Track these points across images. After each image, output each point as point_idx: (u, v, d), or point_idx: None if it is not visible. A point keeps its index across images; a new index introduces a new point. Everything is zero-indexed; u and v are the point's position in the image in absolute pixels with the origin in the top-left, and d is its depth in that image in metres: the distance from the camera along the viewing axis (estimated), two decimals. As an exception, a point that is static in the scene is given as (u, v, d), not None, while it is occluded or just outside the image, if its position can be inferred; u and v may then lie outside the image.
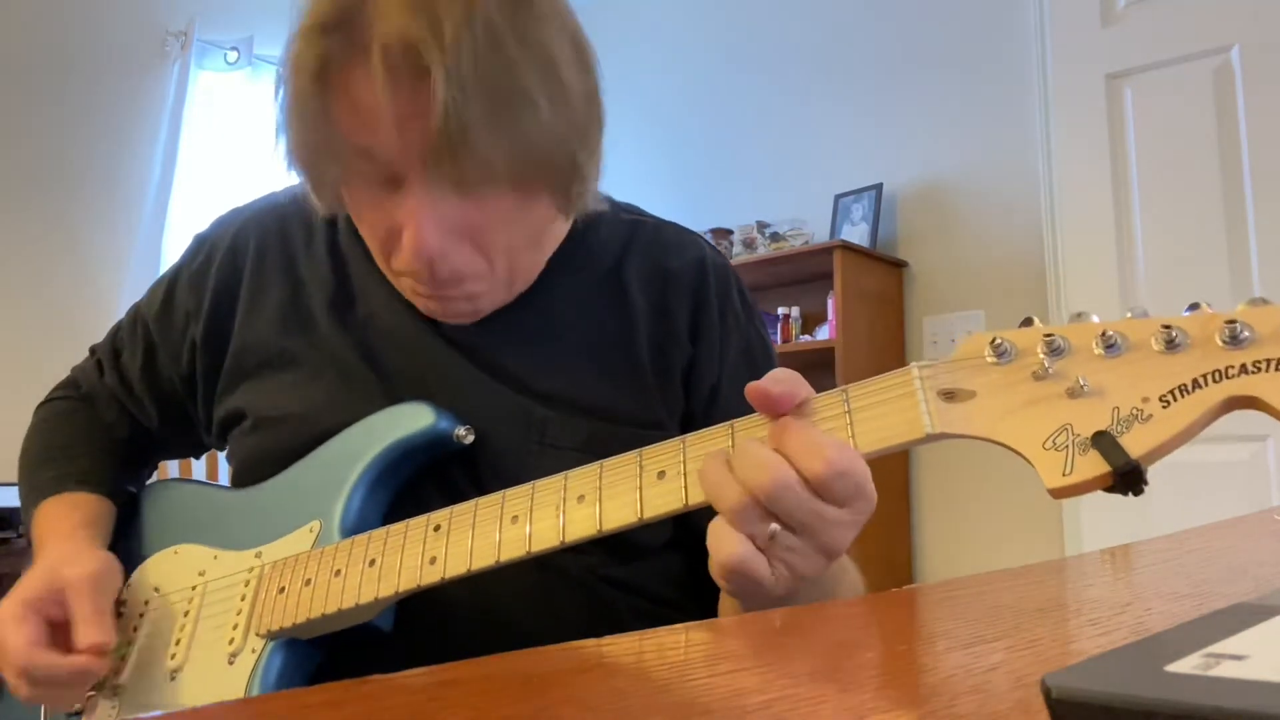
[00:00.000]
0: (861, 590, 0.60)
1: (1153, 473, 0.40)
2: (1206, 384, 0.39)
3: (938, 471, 2.68)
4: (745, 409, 0.51)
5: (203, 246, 0.83)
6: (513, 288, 0.72)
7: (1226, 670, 0.19)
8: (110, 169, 3.05)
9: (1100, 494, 0.41)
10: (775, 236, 2.91)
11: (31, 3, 2.94)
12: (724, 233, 3.04)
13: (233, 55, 3.29)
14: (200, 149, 3.19)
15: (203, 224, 0.86)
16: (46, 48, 2.96)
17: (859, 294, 2.63)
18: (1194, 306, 0.41)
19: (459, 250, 0.64)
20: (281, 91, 0.63)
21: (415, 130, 0.58)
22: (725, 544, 0.47)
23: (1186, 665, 0.20)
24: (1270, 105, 2.21)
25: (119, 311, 3.32)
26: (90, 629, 0.66)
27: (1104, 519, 2.31)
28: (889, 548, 2.61)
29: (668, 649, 0.36)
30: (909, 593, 0.48)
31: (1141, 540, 0.65)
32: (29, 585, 0.68)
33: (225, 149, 3.22)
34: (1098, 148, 2.43)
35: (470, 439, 0.68)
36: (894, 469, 2.69)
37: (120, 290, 2.99)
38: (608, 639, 0.36)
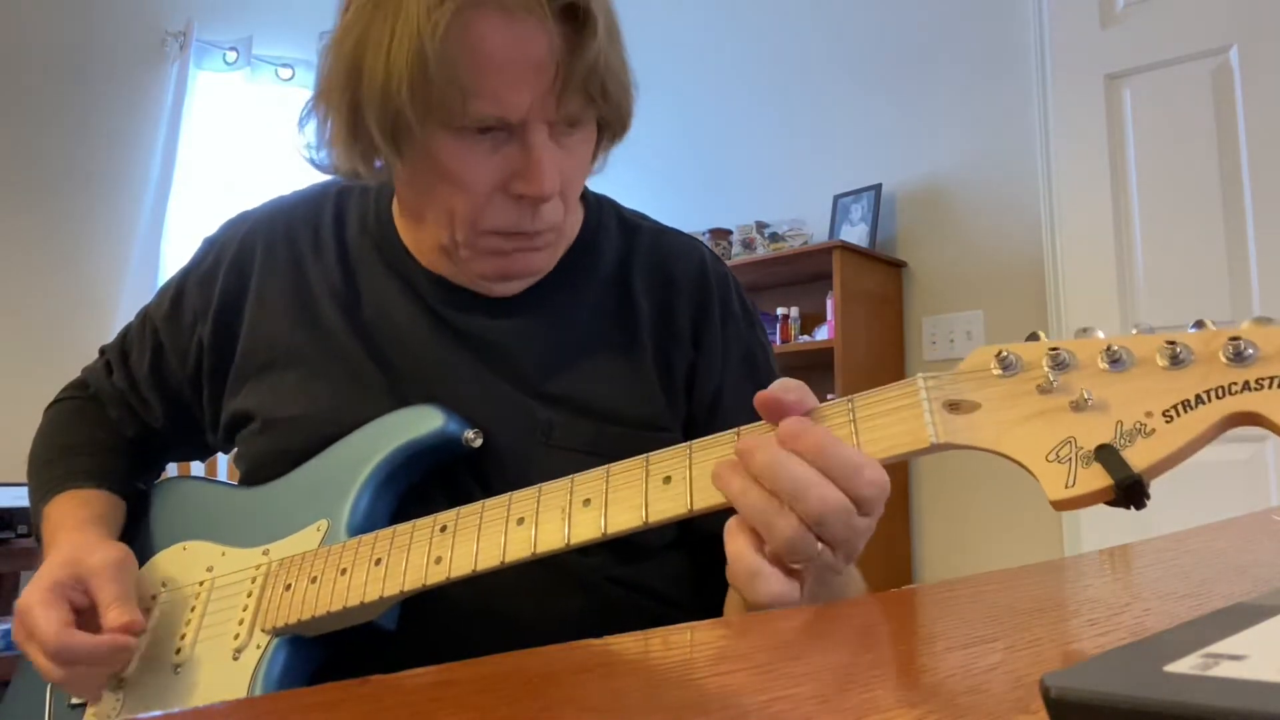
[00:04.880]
0: (863, 588, 0.61)
1: (1152, 472, 0.40)
2: (1210, 400, 0.39)
3: (938, 472, 2.68)
4: (747, 416, 0.51)
5: (211, 249, 0.83)
6: (555, 255, 0.75)
7: (1225, 670, 0.19)
8: (109, 169, 3.05)
9: (1100, 493, 0.41)
10: (774, 237, 2.91)
11: (30, 3, 2.94)
12: (723, 233, 3.04)
13: (231, 55, 3.28)
14: (199, 149, 3.19)
15: (202, 224, 0.87)
16: (45, 48, 2.96)
17: (858, 294, 2.63)
18: (1199, 324, 0.41)
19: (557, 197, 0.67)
20: (363, 31, 0.61)
21: (554, 74, 0.61)
22: (768, 584, 0.47)
23: (1185, 665, 0.20)
24: (1269, 106, 2.21)
25: (118, 311, 3.29)
26: (119, 610, 0.66)
27: (1103, 519, 2.31)
28: (889, 548, 2.61)
29: (667, 649, 0.36)
30: (909, 593, 0.48)
31: (1141, 540, 0.65)
32: (51, 572, 0.69)
33: (224, 149, 3.23)
34: (1097, 148, 2.43)
35: (479, 442, 0.68)
36: (894, 469, 2.67)
37: (120, 289, 2.99)
38: (608, 639, 0.36)
